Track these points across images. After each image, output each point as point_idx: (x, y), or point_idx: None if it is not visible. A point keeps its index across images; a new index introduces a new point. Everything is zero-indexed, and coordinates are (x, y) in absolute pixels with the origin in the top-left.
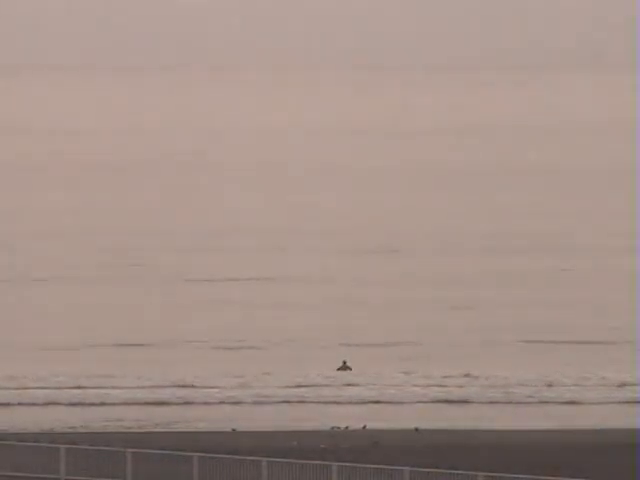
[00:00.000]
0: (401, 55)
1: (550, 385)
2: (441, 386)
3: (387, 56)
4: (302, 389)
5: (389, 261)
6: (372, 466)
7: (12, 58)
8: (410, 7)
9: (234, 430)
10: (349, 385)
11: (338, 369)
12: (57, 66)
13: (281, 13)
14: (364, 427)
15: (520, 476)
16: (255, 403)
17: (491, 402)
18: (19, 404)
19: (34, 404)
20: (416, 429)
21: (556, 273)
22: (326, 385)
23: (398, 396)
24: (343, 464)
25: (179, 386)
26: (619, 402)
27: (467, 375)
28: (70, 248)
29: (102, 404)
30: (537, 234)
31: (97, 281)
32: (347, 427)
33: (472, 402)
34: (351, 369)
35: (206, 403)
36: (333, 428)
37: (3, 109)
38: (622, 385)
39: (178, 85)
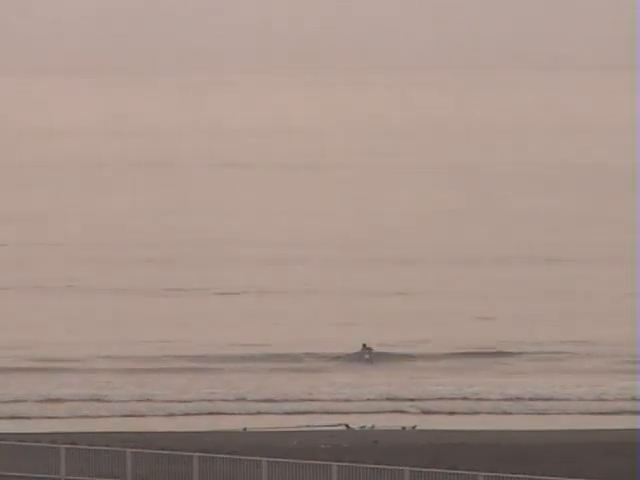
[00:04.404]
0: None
1: None
2: None
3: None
4: None
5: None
6: (372, 466)
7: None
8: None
9: (245, 429)
10: None
11: (362, 349)
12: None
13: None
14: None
15: (520, 476)
16: None
17: None
18: None
19: None
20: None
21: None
22: None
23: None
24: (343, 464)
25: None
26: None
27: None
28: None
29: None
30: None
31: None
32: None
33: None
34: (372, 349)
35: None
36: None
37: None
38: None
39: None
